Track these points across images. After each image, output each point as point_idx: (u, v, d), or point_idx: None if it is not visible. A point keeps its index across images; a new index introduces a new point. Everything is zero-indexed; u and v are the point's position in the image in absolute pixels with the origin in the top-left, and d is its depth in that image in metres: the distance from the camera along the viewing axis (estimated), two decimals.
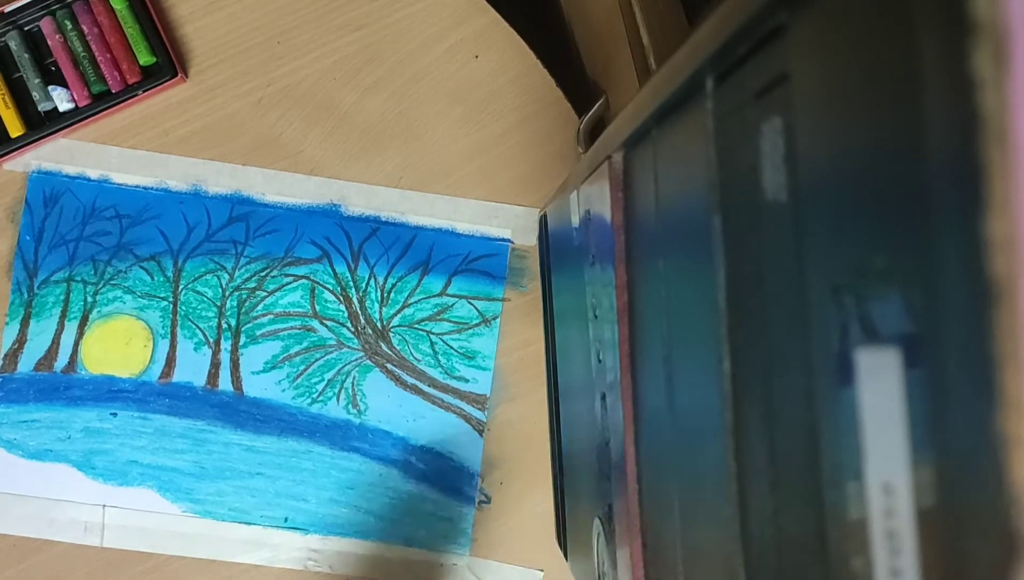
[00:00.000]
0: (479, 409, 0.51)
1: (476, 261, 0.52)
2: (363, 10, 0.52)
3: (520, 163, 0.52)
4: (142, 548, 0.50)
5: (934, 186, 0.10)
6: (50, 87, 0.50)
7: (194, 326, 0.51)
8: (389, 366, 0.51)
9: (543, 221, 0.45)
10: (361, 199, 0.52)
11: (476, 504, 0.51)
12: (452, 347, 0.52)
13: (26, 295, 0.50)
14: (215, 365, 0.51)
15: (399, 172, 0.52)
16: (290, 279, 0.51)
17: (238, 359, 0.51)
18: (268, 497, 0.51)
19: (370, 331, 0.51)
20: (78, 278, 0.51)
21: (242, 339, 0.51)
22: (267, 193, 0.51)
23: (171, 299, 0.51)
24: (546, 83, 0.52)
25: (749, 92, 0.16)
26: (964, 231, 0.09)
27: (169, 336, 0.51)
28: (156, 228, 0.51)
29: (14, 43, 0.50)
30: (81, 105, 0.50)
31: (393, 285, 0.52)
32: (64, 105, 0.50)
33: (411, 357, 0.51)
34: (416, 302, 0.52)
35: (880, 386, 0.12)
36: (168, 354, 0.51)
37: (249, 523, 0.50)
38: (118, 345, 0.51)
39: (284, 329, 0.51)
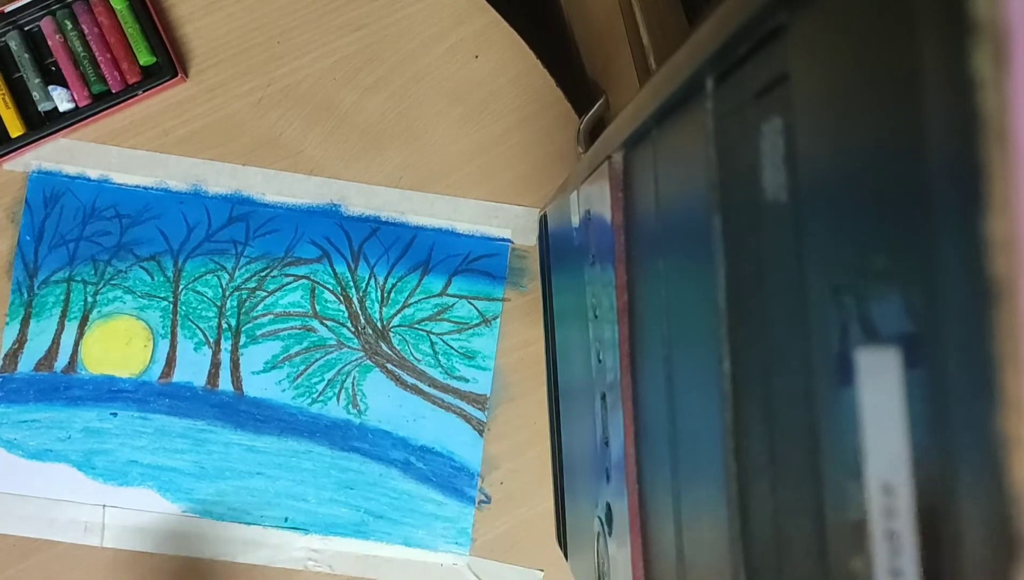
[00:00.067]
0: (479, 409, 0.51)
1: (476, 261, 0.52)
2: (363, 10, 0.52)
3: (520, 163, 0.52)
4: (142, 548, 0.50)
5: (934, 186, 0.10)
6: (50, 87, 0.50)
7: (194, 326, 0.51)
8: (389, 366, 0.51)
9: (543, 221, 0.45)
10: (361, 199, 0.52)
11: (476, 504, 0.51)
12: (452, 347, 0.52)
13: (26, 295, 0.50)
14: (215, 365, 0.51)
15: (399, 172, 0.52)
16: (290, 279, 0.51)
17: (238, 359, 0.51)
18: (268, 497, 0.51)
19: (370, 331, 0.51)
20: (78, 278, 0.51)
21: (242, 339, 0.51)
22: (267, 193, 0.51)
23: (171, 299, 0.51)
24: (546, 83, 0.52)
25: (749, 92, 0.16)
26: (964, 231, 0.09)
27: (169, 336, 0.51)
28: (156, 228, 0.51)
29: (14, 43, 0.50)
30: (81, 105, 0.50)
31: (393, 285, 0.52)
32: (64, 105, 0.50)
33: (411, 357, 0.51)
34: (416, 302, 0.52)
35: (880, 386, 0.12)
36: (168, 354, 0.51)
37: (249, 523, 0.50)
38: (118, 345, 0.51)
39: (284, 329, 0.51)
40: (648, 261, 0.23)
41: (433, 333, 0.52)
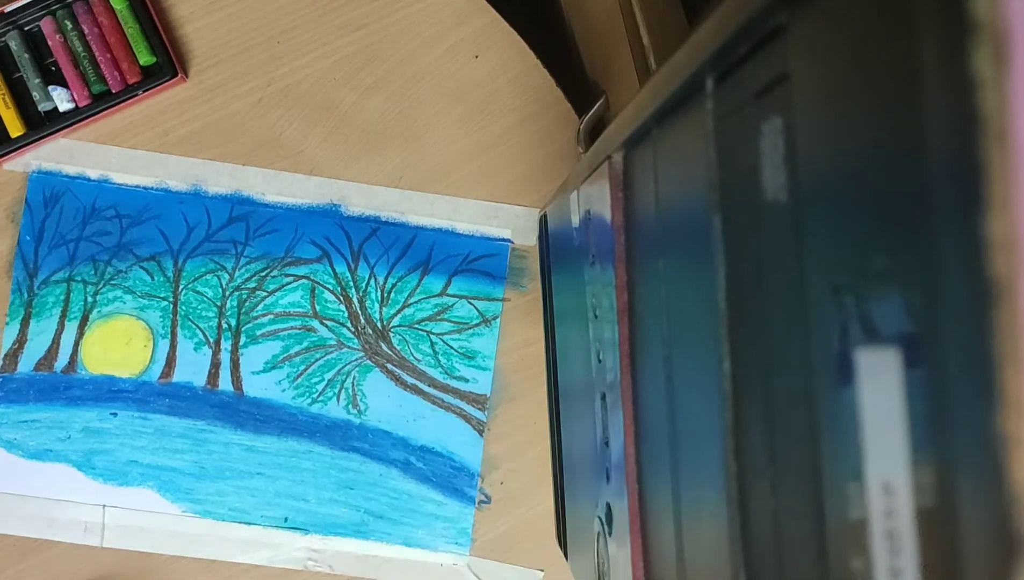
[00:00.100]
0: (479, 409, 0.51)
1: (476, 261, 0.52)
2: (363, 10, 0.52)
3: (520, 163, 0.52)
4: (142, 548, 0.50)
5: (934, 186, 0.10)
6: (50, 87, 0.50)
7: (194, 326, 0.51)
8: (389, 366, 0.51)
9: (543, 221, 0.45)
10: (361, 199, 0.52)
11: (476, 504, 0.51)
12: (452, 347, 0.52)
13: (26, 295, 0.50)
14: (215, 365, 0.51)
15: (399, 172, 0.52)
16: (290, 279, 0.51)
17: (238, 359, 0.51)
18: (268, 497, 0.51)
19: (370, 331, 0.51)
20: (78, 278, 0.51)
21: (242, 339, 0.51)
22: (267, 193, 0.51)
23: (171, 299, 0.51)
24: (546, 83, 0.52)
25: (749, 92, 0.16)
26: (964, 231, 0.09)
27: (169, 336, 0.51)
28: (156, 228, 0.51)
29: (14, 43, 0.50)
30: (81, 105, 0.50)
31: (393, 285, 0.52)
32: (64, 105, 0.50)
33: (411, 357, 0.51)
34: (416, 302, 0.52)
35: (880, 386, 0.12)
36: (168, 354, 0.51)
37: (249, 523, 0.50)
38: (118, 345, 0.51)
39: (284, 329, 0.51)
40: (648, 261, 0.23)
41: (433, 333, 0.52)
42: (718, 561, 0.18)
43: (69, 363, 0.51)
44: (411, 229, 0.52)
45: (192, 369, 0.51)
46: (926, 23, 0.10)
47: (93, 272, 0.51)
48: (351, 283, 0.51)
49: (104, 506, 0.50)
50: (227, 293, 0.51)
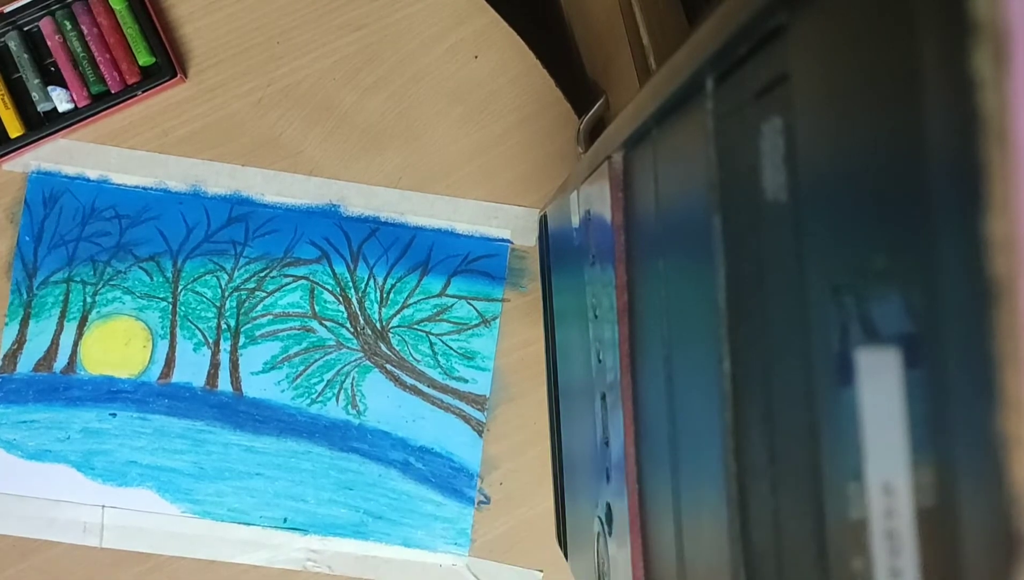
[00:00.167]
0: (478, 410, 0.51)
1: (476, 261, 0.52)
2: (363, 10, 0.52)
3: (520, 163, 0.52)
4: (141, 548, 0.50)
5: (934, 186, 0.10)
6: (50, 87, 0.50)
7: (193, 327, 0.51)
8: (388, 367, 0.51)
9: (543, 221, 0.45)
10: (361, 199, 0.52)
11: (475, 504, 0.51)
12: (451, 348, 0.52)
13: (25, 295, 0.50)
14: (214, 365, 0.51)
15: (399, 172, 0.52)
16: (289, 280, 0.51)
17: (237, 360, 0.51)
18: (267, 498, 0.51)
19: (369, 332, 0.51)
20: (77, 278, 0.51)
21: (241, 340, 0.51)
22: (266, 193, 0.51)
23: (170, 300, 0.51)
24: (546, 83, 0.52)
25: (749, 92, 0.16)
26: (964, 231, 0.09)
27: (168, 337, 0.51)
28: (155, 228, 0.51)
29: (14, 43, 0.50)
30: (80, 105, 0.50)
31: (392, 286, 0.52)
32: (63, 105, 0.50)
33: (410, 358, 0.51)
34: (415, 303, 0.52)
35: (880, 386, 0.12)
36: (167, 354, 0.51)
37: (248, 523, 0.50)
38: (117, 345, 0.51)
39: (283, 330, 0.51)
40: (648, 261, 0.23)
41: (432, 334, 0.52)
42: (718, 561, 0.18)
43: (68, 363, 0.51)
44: (410, 229, 0.52)
45: (191, 370, 0.51)
46: (926, 23, 0.10)
47: (92, 272, 0.51)
48: (350, 284, 0.51)
49: (103, 506, 0.50)
50: (226, 294, 0.51)
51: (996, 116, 0.09)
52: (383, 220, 0.52)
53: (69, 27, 0.50)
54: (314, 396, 0.51)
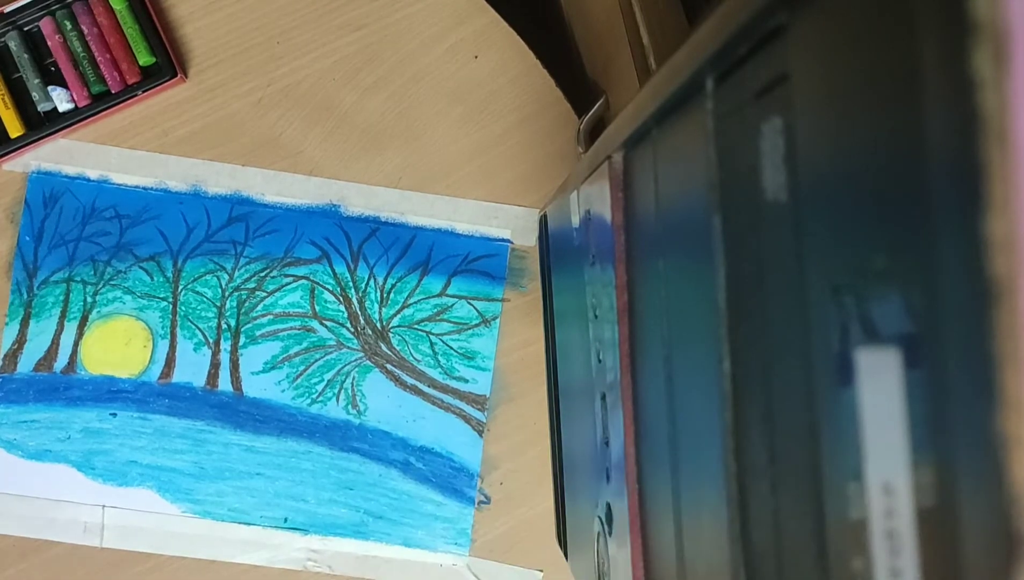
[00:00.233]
0: (479, 409, 0.51)
1: (476, 261, 0.52)
2: (363, 10, 0.52)
3: (520, 163, 0.52)
4: (142, 548, 0.50)
5: (934, 186, 0.10)
6: (50, 87, 0.50)
7: (194, 326, 0.51)
8: (389, 366, 0.51)
9: (543, 221, 0.45)
10: (361, 199, 0.52)
11: (476, 504, 0.51)
12: (452, 347, 0.52)
13: (26, 295, 0.50)
14: (215, 365, 0.51)
15: (399, 172, 0.52)
16: (290, 279, 0.51)
17: (238, 359, 0.51)
18: (268, 497, 0.51)
19: (370, 331, 0.51)
20: (78, 278, 0.51)
21: (242, 339, 0.51)
22: (267, 193, 0.51)
23: (171, 299, 0.51)
24: (546, 83, 0.52)
25: (749, 92, 0.16)
26: (964, 231, 0.09)
27: (169, 336, 0.51)
28: (156, 228, 0.51)
29: (14, 43, 0.50)
30: (81, 105, 0.50)
31: (393, 285, 0.52)
32: (64, 105, 0.50)
33: (411, 357, 0.51)
34: (416, 302, 0.52)
35: (880, 386, 0.12)
36: (168, 354, 0.51)
37: (249, 523, 0.50)
38: (118, 345, 0.51)
39: (284, 329, 0.51)
40: (648, 261, 0.23)
41: (432, 333, 0.52)
42: (718, 561, 0.18)
43: (69, 363, 0.51)
44: (411, 229, 0.52)
45: (191, 369, 0.51)
46: (926, 23, 0.10)
47: (92, 272, 0.51)
48: (351, 283, 0.51)
49: (104, 506, 0.50)
50: (227, 293, 0.51)
51: (996, 116, 0.09)
52: (383, 220, 0.52)
53: (69, 27, 0.50)
54: (314, 396, 0.51)
